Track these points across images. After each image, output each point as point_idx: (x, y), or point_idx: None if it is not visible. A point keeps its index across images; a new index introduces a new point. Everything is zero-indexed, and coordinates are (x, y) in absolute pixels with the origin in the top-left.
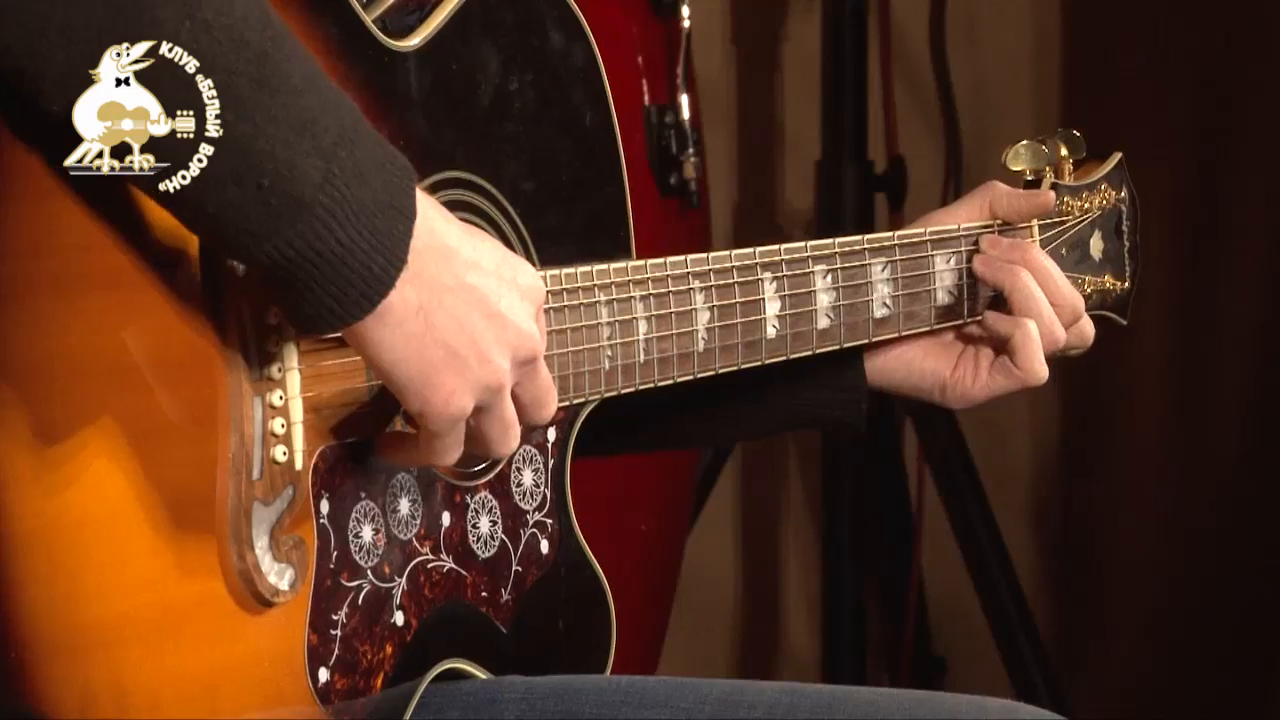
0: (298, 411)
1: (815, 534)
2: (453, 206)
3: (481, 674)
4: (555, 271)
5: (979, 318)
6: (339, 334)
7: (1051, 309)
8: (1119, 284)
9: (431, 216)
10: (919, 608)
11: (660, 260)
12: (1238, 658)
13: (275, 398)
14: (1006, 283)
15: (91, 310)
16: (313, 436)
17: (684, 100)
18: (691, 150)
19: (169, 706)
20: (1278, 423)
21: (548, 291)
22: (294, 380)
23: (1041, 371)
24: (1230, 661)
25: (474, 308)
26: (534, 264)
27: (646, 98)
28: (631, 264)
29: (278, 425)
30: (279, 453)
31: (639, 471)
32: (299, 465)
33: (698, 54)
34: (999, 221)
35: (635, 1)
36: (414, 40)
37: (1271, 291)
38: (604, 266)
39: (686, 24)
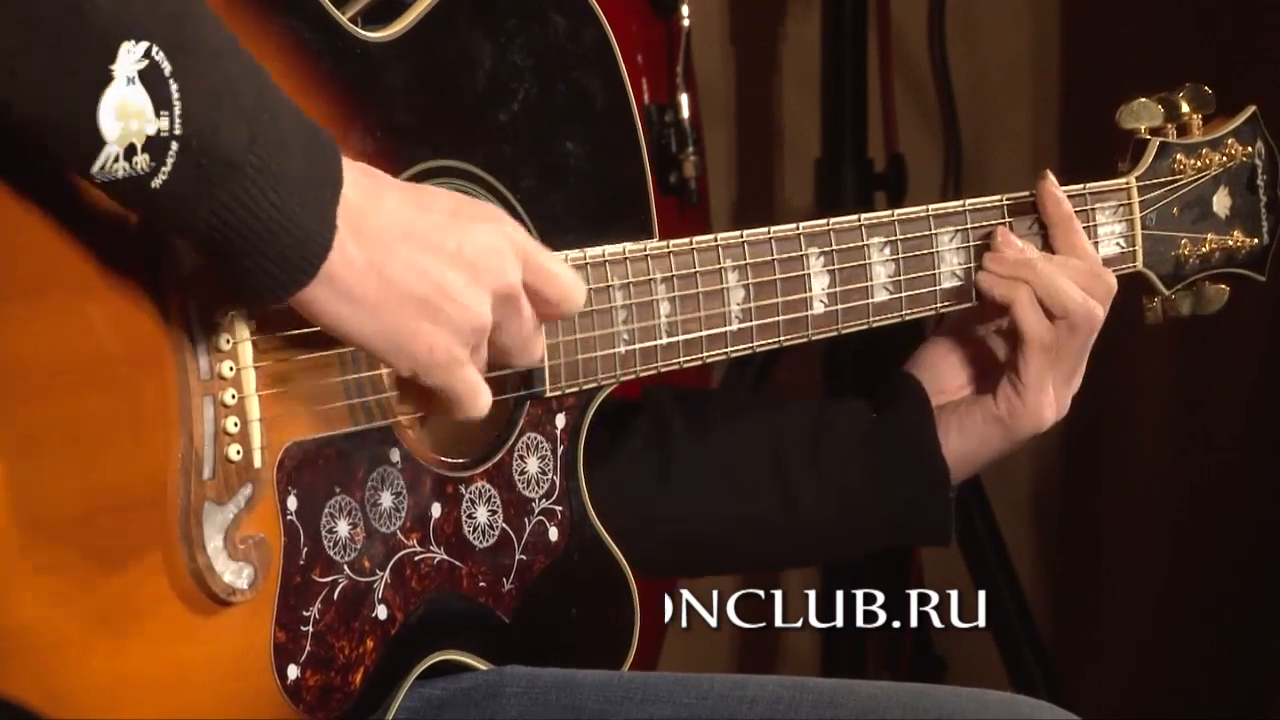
0: (254, 409)
1: None
2: None
3: (480, 664)
4: (560, 255)
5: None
6: (299, 310)
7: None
8: (1250, 240)
9: (362, 178)
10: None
11: (683, 240)
12: (1238, 656)
13: (228, 396)
14: (1009, 296)
15: (21, 317)
16: (276, 433)
17: (683, 99)
18: (691, 149)
19: (125, 707)
20: (1278, 421)
21: None
22: (249, 378)
23: (1041, 328)
24: (1230, 660)
25: (433, 252)
26: None
27: (646, 97)
28: (650, 244)
29: (231, 424)
30: (233, 451)
31: None
32: (258, 463)
33: (697, 53)
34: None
35: (635, 1)
36: (389, 32)
37: (1272, 289)
38: (616, 248)
39: (686, 23)
